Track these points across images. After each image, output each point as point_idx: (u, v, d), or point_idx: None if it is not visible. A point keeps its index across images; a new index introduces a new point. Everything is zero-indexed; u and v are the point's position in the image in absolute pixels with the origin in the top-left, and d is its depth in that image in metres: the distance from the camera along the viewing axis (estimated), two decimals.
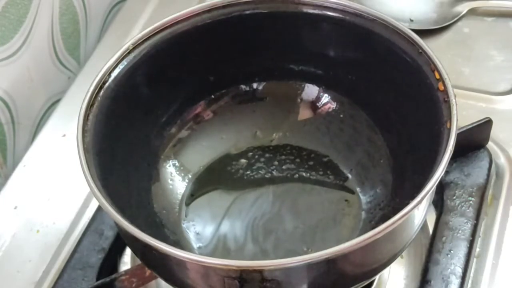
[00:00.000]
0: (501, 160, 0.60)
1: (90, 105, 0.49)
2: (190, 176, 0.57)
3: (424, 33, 0.69)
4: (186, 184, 0.56)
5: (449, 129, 0.45)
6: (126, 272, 0.52)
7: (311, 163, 0.57)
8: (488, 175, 0.57)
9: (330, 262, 0.42)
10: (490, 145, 0.59)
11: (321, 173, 0.56)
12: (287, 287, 0.43)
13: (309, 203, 0.55)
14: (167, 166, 0.56)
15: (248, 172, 0.57)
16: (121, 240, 0.55)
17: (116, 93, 0.51)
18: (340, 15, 0.53)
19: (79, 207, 0.60)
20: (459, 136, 0.47)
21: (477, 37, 0.70)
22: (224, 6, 0.54)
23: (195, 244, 0.53)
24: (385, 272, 0.54)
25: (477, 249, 0.55)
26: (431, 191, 0.43)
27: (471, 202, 0.56)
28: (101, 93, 0.50)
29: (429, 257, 0.53)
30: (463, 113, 0.59)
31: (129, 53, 0.52)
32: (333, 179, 0.56)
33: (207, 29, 0.54)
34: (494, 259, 0.54)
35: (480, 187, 0.57)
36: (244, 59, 0.57)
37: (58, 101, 0.71)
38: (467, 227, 0.54)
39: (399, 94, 0.52)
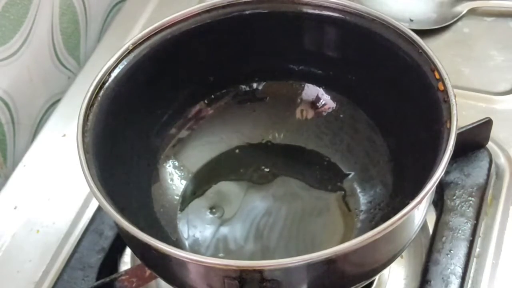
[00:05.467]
0: (501, 160, 0.60)
1: (90, 105, 0.49)
2: (190, 176, 0.57)
3: (424, 33, 0.69)
4: (186, 184, 0.56)
5: (449, 129, 0.45)
6: (126, 272, 0.52)
7: (311, 163, 0.57)
8: (488, 175, 0.57)
9: (330, 262, 0.42)
10: (490, 145, 0.59)
11: (321, 173, 0.56)
12: (287, 287, 0.43)
13: (308, 203, 0.55)
14: (167, 166, 0.56)
15: (248, 172, 0.57)
16: (121, 240, 0.55)
17: (116, 93, 0.51)
18: (340, 15, 0.53)
19: (79, 207, 0.60)
20: (459, 136, 0.47)
21: (477, 37, 0.70)
22: (224, 6, 0.54)
23: (195, 244, 0.53)
24: (385, 272, 0.54)
25: (477, 249, 0.55)
26: (431, 191, 0.43)
27: (471, 202, 0.56)
28: (101, 93, 0.50)
29: (429, 257, 0.53)
30: (463, 113, 0.59)
31: (129, 53, 0.52)
32: (333, 179, 0.56)
33: (207, 29, 0.54)
34: (494, 259, 0.54)
35: (480, 187, 0.57)
36: (244, 59, 0.57)
37: (58, 101, 0.71)
38: (467, 227, 0.54)
39: (399, 94, 0.52)
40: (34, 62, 0.68)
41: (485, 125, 0.58)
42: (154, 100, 0.55)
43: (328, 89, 0.58)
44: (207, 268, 0.43)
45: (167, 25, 0.53)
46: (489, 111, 0.62)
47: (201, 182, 0.57)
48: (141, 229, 0.43)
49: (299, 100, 0.58)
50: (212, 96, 0.58)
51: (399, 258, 0.49)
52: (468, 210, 0.55)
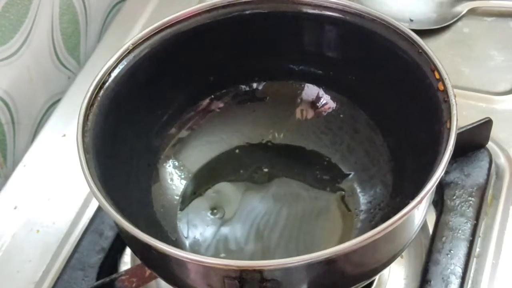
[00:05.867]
0: (501, 160, 0.60)
1: (90, 105, 0.49)
2: (190, 176, 0.57)
3: (424, 33, 0.69)
4: (186, 184, 0.56)
5: (449, 129, 0.45)
6: (126, 272, 0.52)
7: (311, 163, 0.57)
8: (488, 175, 0.57)
9: (330, 262, 0.42)
10: (490, 145, 0.59)
11: (321, 173, 0.56)
12: (287, 287, 0.43)
13: (308, 203, 0.55)
14: (167, 166, 0.56)
15: (248, 172, 0.57)
16: (121, 240, 0.55)
17: (116, 93, 0.51)
18: (340, 15, 0.53)
19: (79, 207, 0.60)
20: (459, 136, 0.47)
21: (477, 37, 0.70)
22: (224, 6, 0.54)
23: (195, 244, 0.53)
24: (385, 272, 0.54)
25: (477, 249, 0.55)
26: (431, 191, 0.43)
27: (471, 202, 0.56)
28: (101, 93, 0.50)
29: (429, 257, 0.53)
30: (463, 113, 0.59)
31: (129, 53, 0.52)
32: (333, 179, 0.56)
33: (207, 29, 0.54)
34: (494, 259, 0.54)
35: (480, 187, 0.57)
36: (244, 59, 0.57)
37: (58, 101, 0.71)
38: (467, 227, 0.54)
39: (399, 94, 0.52)
40: (34, 62, 0.68)
41: (485, 125, 0.58)
42: (154, 100, 0.55)
43: (328, 89, 0.58)
44: (207, 268, 0.43)
45: (167, 25, 0.53)
46: (489, 111, 0.62)
47: (201, 182, 0.57)
48: (141, 229, 0.43)
49: (299, 100, 0.58)
50: (212, 96, 0.58)
51: (399, 258, 0.49)
52: (468, 210, 0.55)
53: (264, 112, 0.59)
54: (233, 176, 0.57)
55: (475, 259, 0.54)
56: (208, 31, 0.54)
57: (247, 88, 0.59)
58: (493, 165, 0.59)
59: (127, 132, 0.52)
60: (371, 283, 0.54)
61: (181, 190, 0.56)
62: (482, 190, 0.57)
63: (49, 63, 0.70)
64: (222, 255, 0.52)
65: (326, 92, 0.58)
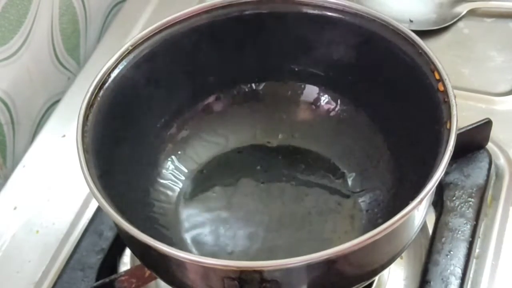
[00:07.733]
0: (501, 161, 0.60)
1: (89, 105, 0.49)
2: (190, 176, 0.57)
3: (423, 33, 0.69)
4: (186, 184, 0.56)
5: (449, 130, 0.45)
6: (126, 272, 0.52)
7: (310, 163, 0.57)
8: (488, 176, 0.57)
9: (330, 262, 0.42)
10: (490, 146, 0.59)
11: (320, 173, 0.56)
12: (287, 287, 0.43)
13: (308, 204, 0.55)
14: (167, 166, 0.56)
15: (247, 173, 0.57)
16: (120, 241, 0.55)
17: (116, 93, 0.51)
18: (340, 15, 0.53)
19: (79, 208, 0.60)
20: (459, 136, 0.47)
21: (477, 38, 0.70)
22: (224, 6, 0.54)
23: (195, 244, 0.53)
24: (385, 273, 0.54)
25: (477, 250, 0.55)
26: (431, 191, 0.43)
27: (470, 203, 0.56)
28: (101, 93, 0.50)
29: (428, 258, 0.53)
30: (463, 114, 0.58)
31: (128, 53, 0.52)
32: (333, 179, 0.56)
33: (207, 29, 0.54)
34: (493, 260, 0.54)
35: (480, 188, 0.57)
36: (244, 59, 0.57)
37: (58, 101, 0.70)
38: (467, 228, 0.54)
39: (399, 95, 0.52)
40: (34, 62, 0.68)
41: (485, 126, 0.58)
42: (153, 100, 0.55)
43: (328, 89, 0.58)
44: (206, 268, 0.43)
45: (167, 25, 0.53)
46: (488, 112, 0.62)
47: (201, 182, 0.56)
48: (141, 229, 0.43)
49: (299, 100, 0.58)
50: (212, 96, 0.58)
51: (398, 259, 0.49)
52: (467, 211, 0.55)
53: (264, 112, 0.59)
54: (233, 177, 0.57)
55: (474, 260, 0.54)
56: (208, 31, 0.54)
57: (247, 88, 0.59)
58: (492, 166, 0.59)
59: (127, 132, 0.52)
60: (371, 284, 0.54)
61: (181, 190, 0.56)
62: (482, 191, 0.57)
63: (49, 64, 0.70)
64: (223, 255, 0.52)
65: (326, 92, 0.58)
